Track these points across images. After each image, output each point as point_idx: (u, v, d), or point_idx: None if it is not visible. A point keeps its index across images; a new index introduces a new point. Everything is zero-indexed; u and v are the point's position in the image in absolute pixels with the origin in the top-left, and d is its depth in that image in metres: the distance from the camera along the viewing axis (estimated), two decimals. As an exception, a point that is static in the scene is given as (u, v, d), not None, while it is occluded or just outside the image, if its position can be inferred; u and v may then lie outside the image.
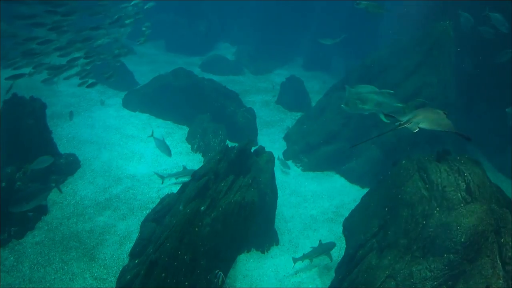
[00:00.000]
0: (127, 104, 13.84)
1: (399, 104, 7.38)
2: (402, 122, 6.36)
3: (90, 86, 10.72)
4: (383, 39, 15.47)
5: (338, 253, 8.35)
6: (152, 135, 10.78)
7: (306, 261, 8.18)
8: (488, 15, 10.64)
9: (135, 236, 8.38)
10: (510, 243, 5.76)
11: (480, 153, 12.30)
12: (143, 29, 12.82)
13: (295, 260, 8.06)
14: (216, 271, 6.75)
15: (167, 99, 13.30)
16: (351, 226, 7.88)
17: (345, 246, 7.80)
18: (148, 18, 18.68)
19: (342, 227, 8.09)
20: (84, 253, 7.93)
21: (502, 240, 5.83)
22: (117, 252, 8.07)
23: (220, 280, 6.72)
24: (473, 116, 12.68)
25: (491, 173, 8.63)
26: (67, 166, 10.02)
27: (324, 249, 8.12)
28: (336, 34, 16.82)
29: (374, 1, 9.71)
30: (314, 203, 10.22)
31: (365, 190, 8.84)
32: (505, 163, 12.07)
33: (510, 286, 5.52)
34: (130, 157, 11.09)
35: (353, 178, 11.37)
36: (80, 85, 10.75)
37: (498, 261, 5.73)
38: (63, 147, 10.74)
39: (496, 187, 6.87)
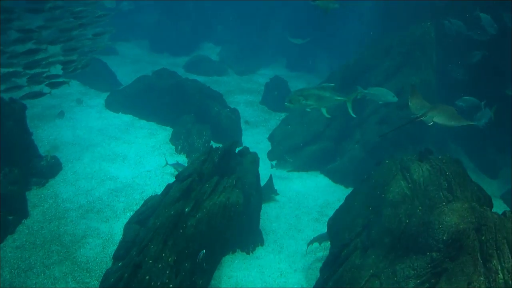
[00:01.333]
0: (110, 105, 13.68)
1: (339, 98, 7.79)
2: (418, 116, 7.22)
3: (57, 86, 9.99)
4: (366, 40, 15.59)
5: (322, 253, 8.39)
6: (166, 164, 10.67)
7: (286, 263, 8.32)
8: (479, 15, 10.75)
9: (118, 238, 8.28)
10: (491, 241, 5.85)
11: (461, 152, 12.50)
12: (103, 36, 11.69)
13: (308, 244, 8.43)
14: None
15: (150, 100, 13.19)
16: (335, 225, 7.92)
17: (329, 246, 7.83)
18: (132, 18, 18.60)
19: (326, 227, 8.13)
20: (66, 257, 7.80)
21: (483, 238, 5.92)
22: (100, 255, 7.96)
23: (200, 257, 6.97)
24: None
25: (472, 172, 8.80)
26: (48, 169, 9.85)
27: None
28: (319, 34, 16.99)
29: None
30: (299, 203, 10.25)
31: (349, 190, 8.91)
32: (485, 162, 12.30)
33: (491, 283, 5.61)
34: (113, 159, 10.97)
35: (337, 178, 11.44)
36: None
37: (479, 259, 5.81)
38: (44, 149, 10.56)
39: (476, 186, 6.99)
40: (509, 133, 10.43)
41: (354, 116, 8.81)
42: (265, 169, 11.19)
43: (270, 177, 10.36)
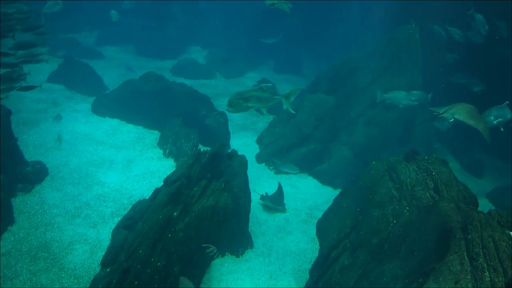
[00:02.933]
0: (96, 109, 13.57)
1: (277, 96, 7.91)
2: (440, 112, 7.62)
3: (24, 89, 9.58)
4: (352, 42, 15.75)
5: (311, 254, 8.41)
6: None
7: (276, 265, 8.34)
8: (473, 14, 10.79)
9: (106, 244, 8.21)
10: (477, 239, 5.92)
11: (447, 152, 12.66)
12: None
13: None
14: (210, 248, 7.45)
15: (137, 103, 13.10)
16: (324, 227, 7.95)
17: (318, 247, 7.86)
18: (118, 22, 18.45)
19: (315, 229, 8.16)
20: (53, 264, 7.70)
21: (469, 237, 6.00)
22: (88, 261, 7.88)
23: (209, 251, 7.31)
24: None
25: (457, 172, 8.91)
26: (34, 174, 9.71)
27: None
28: (303, 36, 17.13)
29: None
30: (288, 205, 10.26)
31: (338, 191, 8.95)
32: (470, 162, 12.47)
33: (478, 281, 5.68)
34: (100, 164, 10.87)
35: (325, 179, 11.50)
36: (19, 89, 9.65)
37: (466, 257, 5.88)
38: (30, 155, 10.43)
39: (462, 186, 7.09)
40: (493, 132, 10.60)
41: (293, 112, 9.10)
42: (255, 172, 11.20)
43: (280, 187, 10.04)
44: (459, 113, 7.61)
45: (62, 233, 8.43)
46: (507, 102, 9.08)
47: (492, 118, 8.72)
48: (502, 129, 8.92)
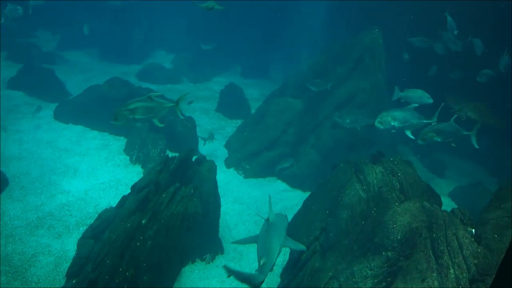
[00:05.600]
0: (59, 116, 13.16)
1: (169, 105, 7.73)
2: (456, 110, 8.91)
3: None
4: (319, 45, 15.96)
5: (282, 258, 8.43)
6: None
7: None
8: (446, 16, 10.92)
9: (72, 255, 7.94)
10: (441, 238, 6.11)
11: (410, 153, 13.00)
12: None
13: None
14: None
15: (102, 109, 12.74)
16: (294, 230, 7.98)
17: (289, 250, 7.88)
18: (80, 25, 18.01)
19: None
20: (15, 277, 7.38)
21: (434, 235, 6.18)
22: (52, 273, 7.60)
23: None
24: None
25: (421, 172, 9.14)
26: (-7, 185, 9.32)
27: None
28: (270, 41, 17.30)
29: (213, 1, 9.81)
30: (258, 209, 10.26)
31: (307, 194, 9.02)
32: (433, 162, 12.85)
33: (443, 278, 5.85)
34: (63, 172, 10.53)
35: (294, 182, 11.57)
36: None
37: (432, 255, 6.06)
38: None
39: (426, 185, 7.30)
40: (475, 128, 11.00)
41: (182, 117, 8.78)
42: (224, 177, 11.15)
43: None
44: (472, 110, 9.14)
45: (24, 245, 8.11)
46: (416, 104, 9.24)
47: (389, 118, 8.84)
48: (409, 134, 9.05)
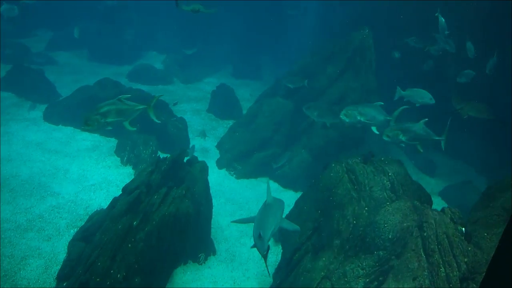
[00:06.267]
0: (49, 117, 13.04)
1: (139, 107, 7.65)
2: (458, 109, 9.83)
3: None
4: (309, 46, 16.01)
5: (275, 258, 8.44)
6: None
7: (239, 271, 8.26)
8: (438, 17, 10.95)
9: (62, 257, 7.87)
10: (432, 237, 6.16)
11: (401, 153, 13.09)
12: None
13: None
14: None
15: (93, 110, 12.70)
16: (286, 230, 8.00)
17: (281, 250, 7.90)
18: (71, 26, 17.89)
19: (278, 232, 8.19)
20: (4, 281, 7.29)
21: (425, 234, 6.22)
22: (42, 277, 7.52)
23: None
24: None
25: (412, 172, 9.23)
26: (-18, 187, 9.21)
27: None
28: (261, 41, 17.31)
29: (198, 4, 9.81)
30: (250, 210, 10.26)
31: (299, 194, 9.05)
32: (423, 162, 12.96)
33: (434, 277, 5.90)
34: (53, 174, 10.44)
35: (286, 183, 11.59)
36: None
37: (423, 254, 6.10)
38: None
39: (417, 185, 7.36)
40: (445, 133, 11.05)
41: (158, 122, 8.57)
42: (216, 178, 11.13)
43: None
44: (472, 109, 9.96)
45: (14, 248, 8.02)
46: (381, 103, 9.29)
47: (356, 112, 8.83)
48: (375, 130, 9.04)
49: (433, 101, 9.64)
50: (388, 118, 8.83)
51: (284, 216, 8.23)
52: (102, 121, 6.86)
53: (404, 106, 9.08)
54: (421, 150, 8.52)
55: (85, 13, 19.80)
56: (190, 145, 12.39)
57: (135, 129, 7.78)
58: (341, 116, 8.86)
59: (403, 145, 8.66)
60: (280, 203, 6.62)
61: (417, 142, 8.46)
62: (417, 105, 9.81)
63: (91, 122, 6.81)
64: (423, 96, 9.66)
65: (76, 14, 19.54)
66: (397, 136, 8.31)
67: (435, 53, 11.61)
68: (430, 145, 12.54)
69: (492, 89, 11.34)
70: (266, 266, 6.12)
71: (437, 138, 8.60)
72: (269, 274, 7.44)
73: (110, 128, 7.51)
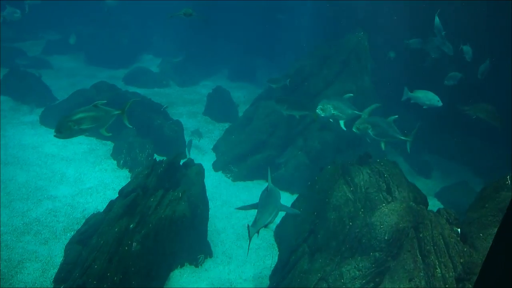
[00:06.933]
0: (45, 121, 13.03)
1: (116, 112, 7.43)
2: (466, 109, 9.94)
3: None
4: (305, 49, 16.06)
5: (271, 260, 8.45)
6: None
7: (236, 273, 8.28)
8: (435, 17, 10.80)
9: (59, 260, 7.86)
10: (428, 238, 6.20)
11: (396, 154, 13.14)
12: None
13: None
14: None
15: (89, 114, 12.69)
16: (283, 233, 8.04)
17: (278, 253, 7.91)
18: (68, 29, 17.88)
19: (274, 235, 8.21)
20: (1, 285, 7.27)
21: (420, 235, 6.26)
22: (39, 280, 7.51)
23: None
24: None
25: (407, 173, 9.27)
26: (-22, 191, 9.19)
27: None
28: (256, 44, 17.39)
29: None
30: (246, 213, 10.24)
31: (295, 196, 9.08)
32: (419, 163, 13.01)
33: (430, 278, 5.93)
34: (50, 177, 10.43)
35: (282, 185, 11.55)
36: None
37: (419, 255, 6.14)
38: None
39: (413, 186, 7.39)
40: (439, 135, 11.14)
41: (130, 126, 8.33)
42: (212, 180, 11.14)
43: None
44: (481, 111, 9.98)
45: (11, 252, 8.00)
46: (351, 94, 9.30)
47: (330, 106, 8.81)
48: (342, 126, 9.01)
49: (440, 104, 9.53)
50: (357, 112, 8.80)
51: (280, 218, 8.29)
52: (75, 128, 6.58)
53: (376, 104, 9.05)
54: (409, 150, 8.66)
55: (82, 17, 19.79)
56: (187, 141, 12.36)
57: (110, 134, 7.54)
58: (317, 110, 8.83)
59: (369, 140, 8.60)
60: (278, 191, 6.96)
61: (383, 139, 8.41)
62: (424, 107, 9.71)
63: (63, 130, 6.52)
64: (431, 98, 9.56)
65: (74, 17, 19.52)
66: (366, 129, 8.28)
67: (434, 55, 11.66)
68: (425, 146, 12.62)
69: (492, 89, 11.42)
70: (248, 248, 6.41)
71: (403, 138, 8.47)
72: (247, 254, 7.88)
73: (110, 134, 7.44)
